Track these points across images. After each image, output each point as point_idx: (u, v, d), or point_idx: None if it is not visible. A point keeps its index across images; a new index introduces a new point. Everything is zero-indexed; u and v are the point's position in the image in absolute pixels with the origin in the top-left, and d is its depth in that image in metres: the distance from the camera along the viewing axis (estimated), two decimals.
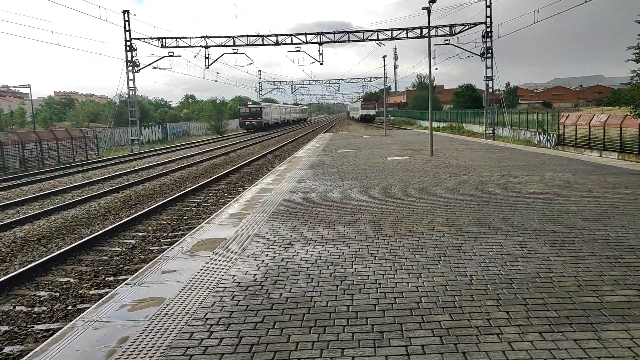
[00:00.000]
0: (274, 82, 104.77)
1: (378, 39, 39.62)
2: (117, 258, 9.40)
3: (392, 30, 39.32)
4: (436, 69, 66.97)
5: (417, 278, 5.32)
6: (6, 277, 8.06)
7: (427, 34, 21.24)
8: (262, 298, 4.92)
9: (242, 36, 40.01)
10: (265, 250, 6.63)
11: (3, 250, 10.11)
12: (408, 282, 5.20)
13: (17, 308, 7.13)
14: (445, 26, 38.66)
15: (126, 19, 38.20)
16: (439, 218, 8.14)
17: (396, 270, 5.62)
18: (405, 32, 39.09)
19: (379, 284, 5.20)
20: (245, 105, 68.09)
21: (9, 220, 12.50)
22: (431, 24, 20.57)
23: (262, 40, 39.89)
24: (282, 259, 6.21)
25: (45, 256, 9.34)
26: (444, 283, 5.14)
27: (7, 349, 5.88)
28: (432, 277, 5.34)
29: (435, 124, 43.48)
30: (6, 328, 6.45)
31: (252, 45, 40.15)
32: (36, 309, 7.11)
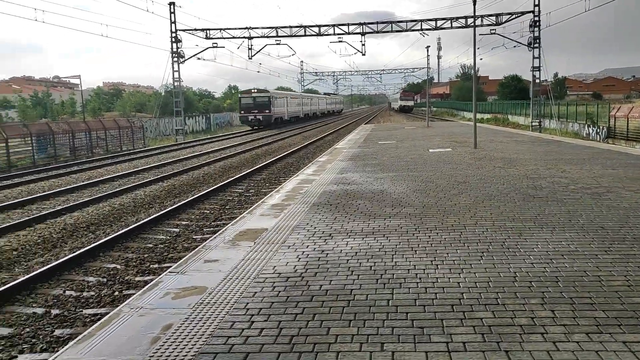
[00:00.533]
0: (316, 73, 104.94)
1: (422, 29, 39.09)
2: (162, 246, 9.63)
3: (436, 20, 38.72)
4: (481, 59, 65.77)
5: (459, 273, 5.24)
6: (57, 262, 8.38)
7: (472, 24, 20.78)
8: (302, 289, 4.95)
9: (285, 27, 40.18)
10: (305, 242, 6.66)
11: (54, 236, 10.50)
12: (449, 278, 5.13)
13: (67, 292, 7.39)
14: (491, 15, 37.77)
15: (172, 10, 38.89)
16: (482, 212, 7.98)
17: (437, 265, 5.55)
18: (449, 21, 38.41)
19: (420, 278, 5.15)
20: (247, 95, 51.19)
21: (59, 207, 12.97)
22: (476, 13, 20.13)
23: (305, 31, 39.94)
24: (322, 251, 6.23)
25: (94, 243, 9.65)
26: (487, 279, 5.05)
27: (57, 332, 6.12)
28: (475, 272, 5.25)
29: (479, 116, 42.63)
30: (57, 311, 6.71)
31: (294, 36, 40.28)
32: (85, 293, 7.37)
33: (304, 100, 70.09)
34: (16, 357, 5.51)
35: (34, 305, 6.97)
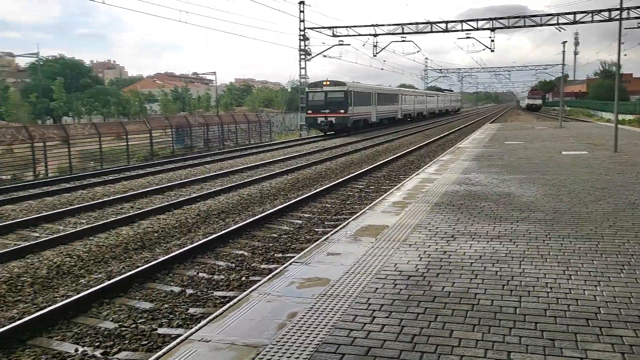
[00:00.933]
0: (440, 69, 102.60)
1: (558, 24, 36.68)
2: (285, 236, 10.01)
3: (574, 13, 36.10)
4: (625, 55, 60.06)
5: (595, 286, 4.89)
6: (192, 245, 9.05)
7: (617, 17, 19.09)
8: (423, 289, 4.91)
9: (411, 24, 39.79)
10: (427, 242, 6.58)
11: (189, 221, 11.34)
12: (584, 290, 4.80)
13: (200, 274, 7.96)
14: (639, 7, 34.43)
15: (301, 9, 40.12)
16: (623, 222, 7.35)
17: (570, 275, 5.21)
18: (590, 15, 35.63)
19: (550, 288, 4.88)
20: (317, 88, 37.27)
21: (194, 195, 13.98)
22: (623, 5, 18.44)
23: (431, 28, 39.26)
24: (445, 252, 6.12)
25: (224, 229, 10.28)
26: (628, 295, 4.65)
27: (191, 310, 6.62)
28: (614, 286, 4.87)
29: (620, 117, 39.13)
30: (191, 291, 7.26)
31: (420, 32, 39.74)
32: (215, 276, 7.88)
33: (405, 97, 53.78)
34: (156, 330, 6.05)
35: (171, 284, 7.60)
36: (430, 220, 7.74)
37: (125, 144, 23.98)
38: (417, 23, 39.63)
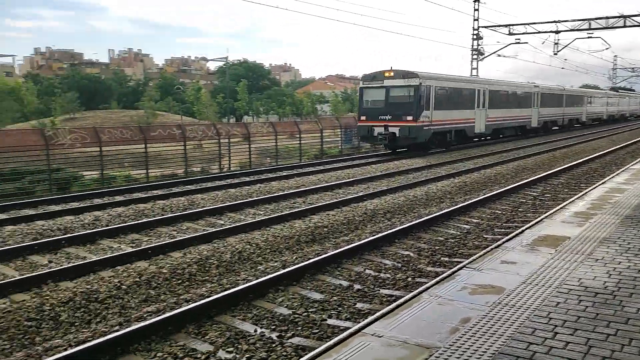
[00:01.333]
0: (633, 69, 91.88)
1: None
2: (452, 240, 9.78)
3: None
4: None
5: None
6: (359, 242, 9.28)
7: None
8: (614, 309, 4.46)
9: (600, 18, 36.27)
10: (617, 257, 5.97)
11: (357, 219, 11.62)
12: None
13: (367, 271, 8.12)
14: None
15: (476, 7, 38.84)
16: None
17: None
18: None
19: None
20: (374, 82, 24.79)
21: (361, 194, 14.30)
22: None
23: (624, 22, 35.37)
24: (639, 270, 5.48)
25: (390, 229, 10.36)
26: None
27: (358, 305, 6.79)
28: None
29: None
30: (358, 287, 7.44)
31: (611, 27, 36.06)
32: (381, 274, 7.98)
33: (545, 96, 37.25)
34: (325, 320, 6.31)
35: (340, 277, 7.87)
36: (620, 234, 7.00)
37: (298, 142, 25.35)
38: (607, 17, 36.01)
